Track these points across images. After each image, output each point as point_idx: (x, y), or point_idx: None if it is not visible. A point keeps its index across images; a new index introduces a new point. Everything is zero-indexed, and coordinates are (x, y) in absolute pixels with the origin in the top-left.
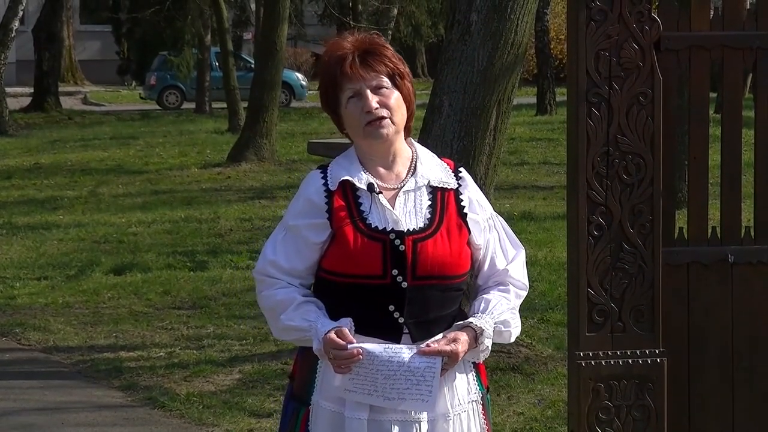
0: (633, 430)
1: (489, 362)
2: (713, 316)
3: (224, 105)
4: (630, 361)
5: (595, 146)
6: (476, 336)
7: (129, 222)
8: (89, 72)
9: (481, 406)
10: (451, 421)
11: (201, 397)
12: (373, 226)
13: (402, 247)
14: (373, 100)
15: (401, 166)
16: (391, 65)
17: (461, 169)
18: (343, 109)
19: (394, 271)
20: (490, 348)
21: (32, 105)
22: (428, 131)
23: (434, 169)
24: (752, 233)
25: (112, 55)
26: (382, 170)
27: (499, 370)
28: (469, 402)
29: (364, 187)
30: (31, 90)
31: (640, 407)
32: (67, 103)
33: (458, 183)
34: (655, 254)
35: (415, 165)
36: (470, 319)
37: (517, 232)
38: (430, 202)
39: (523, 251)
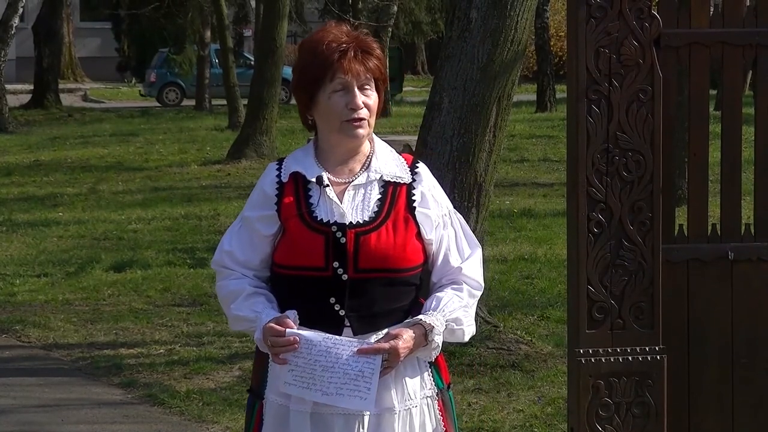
0: (633, 427)
1: (489, 359)
2: (713, 313)
3: (224, 102)
4: (630, 358)
5: (595, 143)
6: (425, 333)
7: (129, 219)
8: (89, 69)
9: (438, 402)
10: (397, 416)
11: (201, 394)
12: (318, 219)
13: (343, 240)
14: (360, 98)
15: (356, 162)
16: (380, 67)
17: (419, 164)
18: (324, 98)
19: (335, 264)
20: (440, 346)
21: (32, 102)
22: (428, 128)
23: (389, 164)
24: (752, 230)
25: (111, 52)
26: (336, 165)
27: (499, 367)
28: (423, 398)
29: (314, 180)
30: (31, 87)
31: (639, 404)
32: (67, 100)
33: (413, 178)
34: (654, 251)
35: (370, 160)
36: (420, 316)
37: (517, 229)
38: (380, 196)
39: (480, 250)
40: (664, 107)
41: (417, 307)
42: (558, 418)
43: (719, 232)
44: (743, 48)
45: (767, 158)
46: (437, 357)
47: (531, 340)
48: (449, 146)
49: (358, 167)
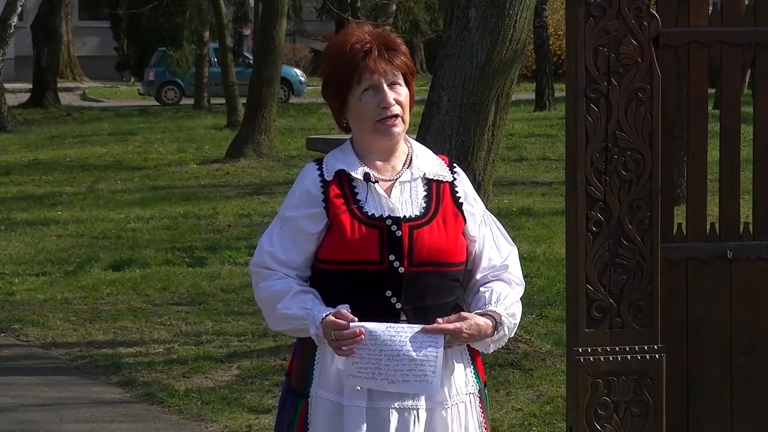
0: (632, 426)
1: (488, 358)
2: (712, 311)
3: (223, 101)
4: (629, 356)
5: (594, 142)
6: (495, 325)
7: (127, 218)
8: (88, 68)
9: (478, 399)
10: (449, 410)
11: (199, 393)
12: (369, 214)
13: (399, 233)
14: (390, 96)
15: (397, 160)
16: (407, 62)
17: (455, 165)
18: (355, 100)
19: (391, 257)
20: (504, 339)
21: (31, 101)
22: (427, 127)
23: (430, 163)
24: (751, 229)
25: (110, 51)
26: (378, 163)
27: (498, 366)
28: (466, 394)
29: (360, 177)
30: (30, 86)
31: (638, 403)
32: (65, 98)
33: (453, 177)
34: (653, 250)
35: (411, 158)
36: (490, 307)
37: (516, 228)
38: (425, 193)
39: (516, 249)
40: (663, 106)
41: (458, 305)
42: (557, 417)
43: (718, 231)
44: (742, 47)
45: (766, 157)
46: (476, 355)
47: (530, 339)
48: (448, 145)
49: (400, 165)
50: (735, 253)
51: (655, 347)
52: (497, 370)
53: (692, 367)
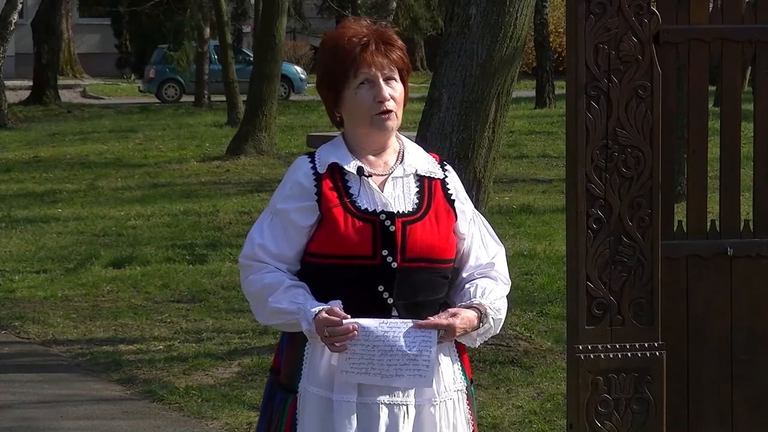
0: (632, 423)
1: (488, 355)
2: (712, 309)
3: (223, 98)
4: (629, 354)
5: (594, 139)
6: (480, 317)
7: (128, 215)
8: (88, 65)
9: (465, 396)
10: (437, 407)
11: (200, 391)
12: (363, 208)
13: (392, 228)
14: (386, 91)
15: (389, 156)
16: (404, 57)
17: (446, 162)
18: (350, 94)
19: (384, 252)
20: (490, 332)
21: (31, 98)
22: (427, 124)
23: (421, 160)
24: (751, 226)
25: (111, 48)
26: (371, 158)
27: (498, 364)
28: (454, 391)
29: (353, 171)
30: (30, 83)
31: (639, 400)
32: (66, 96)
33: (444, 174)
34: (654, 247)
35: (403, 155)
36: (474, 300)
37: (516, 225)
38: (417, 189)
39: (503, 249)
40: (663, 103)
41: (447, 303)
42: (557, 414)
43: (718, 228)
44: (742, 44)
45: (766, 154)
46: (462, 352)
47: (530, 336)
48: (448, 142)
49: (392, 161)
50: (735, 251)
51: (656, 344)
52: (498, 368)
53: (692, 365)
